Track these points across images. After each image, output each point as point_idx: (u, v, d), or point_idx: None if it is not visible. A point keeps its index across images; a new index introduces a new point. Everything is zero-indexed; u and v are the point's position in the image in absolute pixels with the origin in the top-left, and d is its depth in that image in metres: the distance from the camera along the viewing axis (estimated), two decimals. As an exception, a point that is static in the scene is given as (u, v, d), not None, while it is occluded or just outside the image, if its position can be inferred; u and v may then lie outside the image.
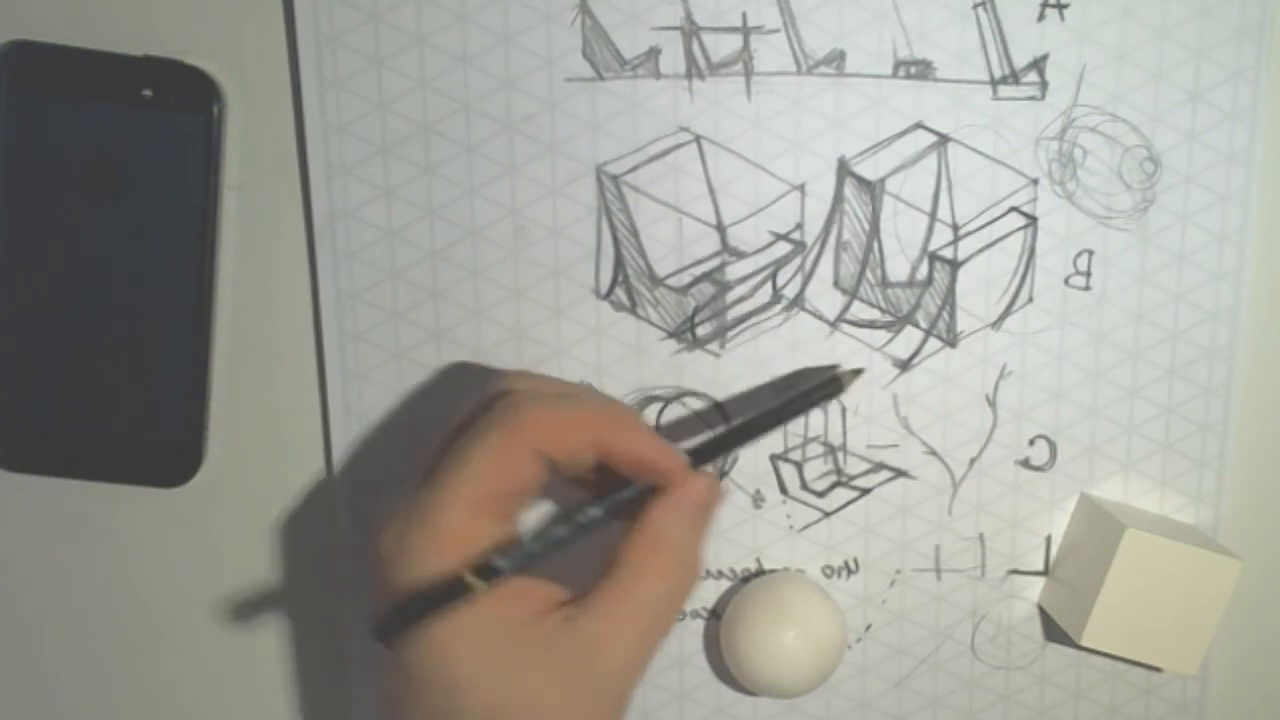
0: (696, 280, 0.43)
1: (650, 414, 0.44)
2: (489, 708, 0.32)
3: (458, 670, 0.32)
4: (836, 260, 0.43)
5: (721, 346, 0.44)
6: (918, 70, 0.42)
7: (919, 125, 0.42)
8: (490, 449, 0.33)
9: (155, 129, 0.42)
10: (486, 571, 0.32)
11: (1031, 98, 0.42)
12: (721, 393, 0.44)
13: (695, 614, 0.46)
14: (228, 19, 0.42)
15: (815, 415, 0.45)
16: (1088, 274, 0.44)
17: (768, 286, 0.44)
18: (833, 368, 0.43)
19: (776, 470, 0.45)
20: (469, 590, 0.31)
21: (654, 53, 0.42)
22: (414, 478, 0.36)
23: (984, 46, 0.42)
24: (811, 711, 0.47)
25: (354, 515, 0.45)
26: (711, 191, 0.43)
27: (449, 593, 0.31)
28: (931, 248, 0.43)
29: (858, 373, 0.41)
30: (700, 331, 0.44)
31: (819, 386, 0.39)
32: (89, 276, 0.43)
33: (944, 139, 0.43)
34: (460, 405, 0.37)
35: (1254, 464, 0.46)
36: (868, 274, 0.43)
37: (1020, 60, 0.42)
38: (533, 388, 0.36)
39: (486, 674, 0.32)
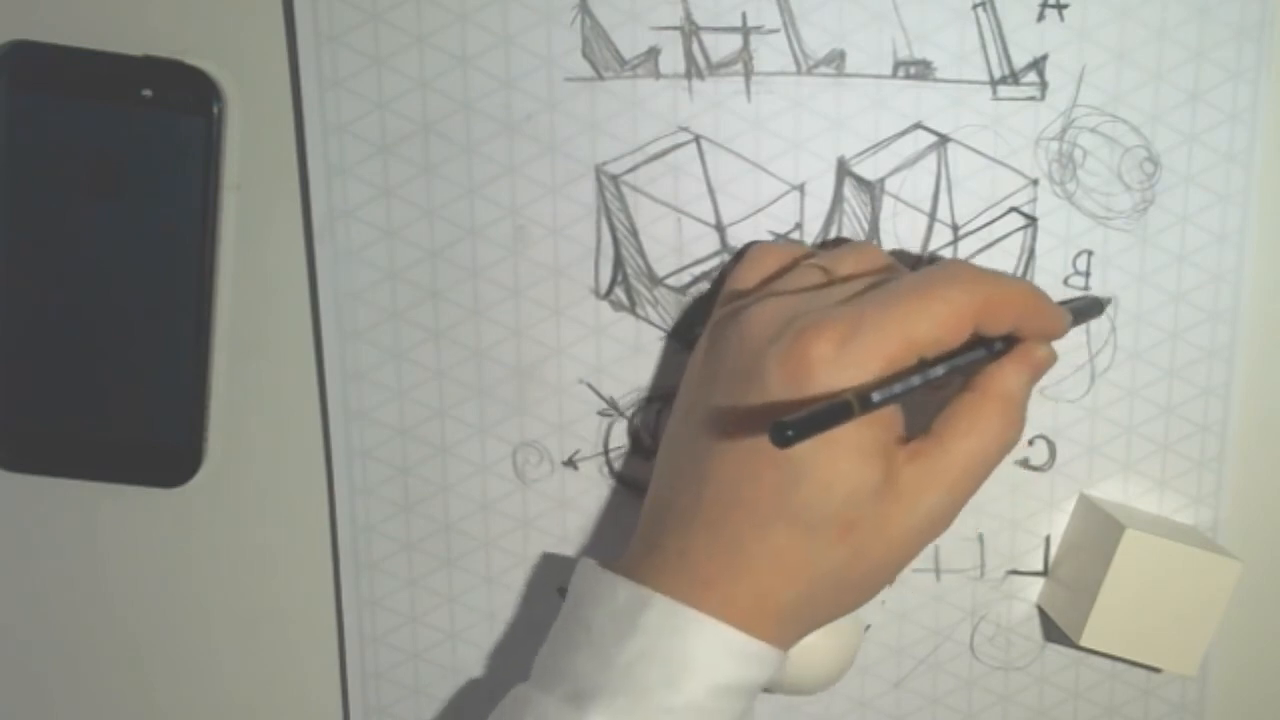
0: (696, 280, 0.43)
1: (649, 414, 0.44)
2: (849, 521, 0.36)
3: (839, 483, 0.36)
4: (836, 260, 0.43)
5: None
6: (917, 70, 0.42)
7: (919, 125, 0.42)
8: (949, 304, 0.36)
9: (155, 129, 0.42)
10: (866, 402, 0.34)
11: (1031, 98, 0.42)
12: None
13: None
14: (228, 19, 0.42)
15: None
16: (1087, 274, 0.44)
17: (767, 286, 0.44)
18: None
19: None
20: (850, 415, 0.34)
21: (654, 53, 0.42)
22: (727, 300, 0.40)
23: (984, 47, 0.42)
24: (811, 712, 0.47)
25: (353, 515, 0.45)
26: (711, 191, 0.43)
27: (840, 412, 0.34)
28: (931, 248, 0.43)
29: (1108, 300, 0.44)
30: (700, 331, 0.44)
31: (1087, 307, 0.42)
32: (89, 276, 0.43)
33: (944, 139, 0.43)
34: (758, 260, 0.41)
35: (1254, 464, 0.45)
36: (867, 274, 0.43)
37: (1020, 60, 0.42)
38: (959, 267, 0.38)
39: (859, 492, 0.36)
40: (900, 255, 0.43)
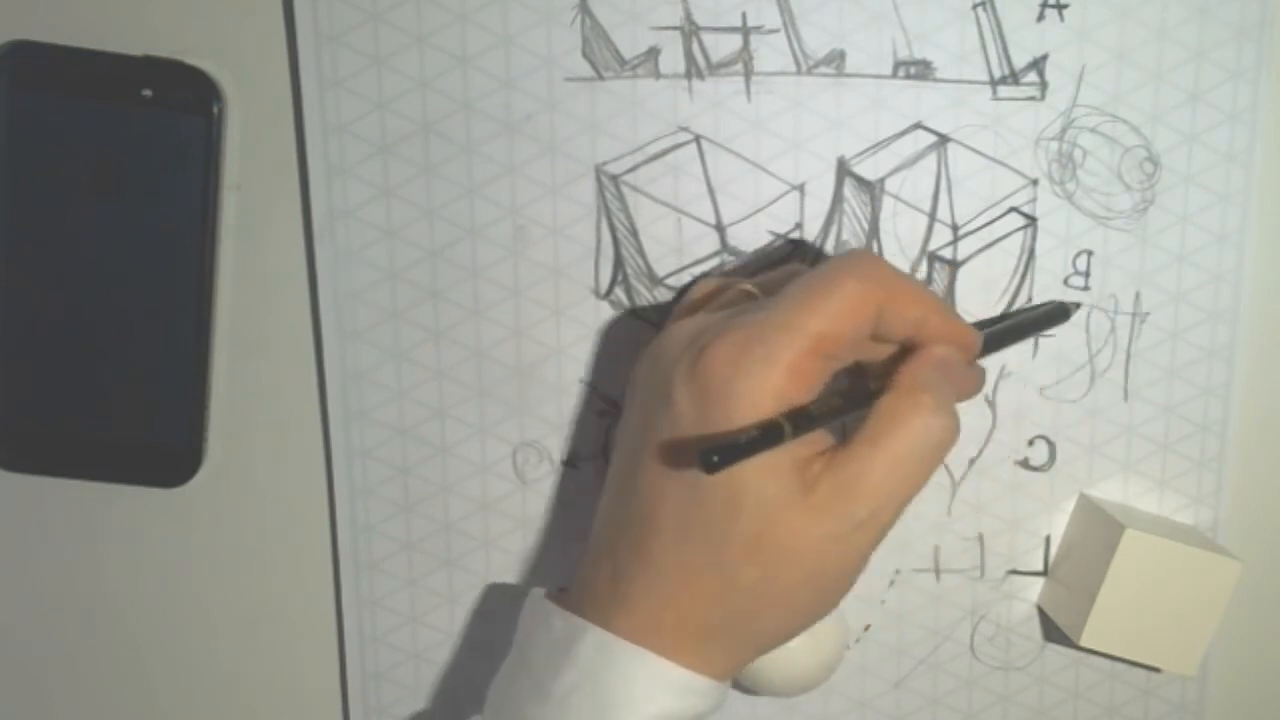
0: (696, 280, 0.43)
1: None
2: (757, 535, 0.34)
3: (744, 498, 0.34)
4: (836, 260, 0.43)
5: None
6: (917, 70, 0.42)
7: (918, 125, 0.42)
8: (845, 294, 0.34)
9: (155, 129, 0.42)
10: (801, 422, 0.33)
11: (1031, 98, 0.42)
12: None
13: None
14: (228, 19, 0.42)
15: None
16: (1087, 274, 0.44)
17: (767, 286, 0.44)
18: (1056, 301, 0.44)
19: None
20: (782, 438, 0.33)
21: (654, 53, 0.42)
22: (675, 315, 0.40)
23: (984, 47, 0.42)
24: (811, 712, 0.47)
25: (353, 515, 0.45)
26: (711, 191, 0.43)
27: (770, 435, 0.33)
28: (931, 248, 0.43)
29: (1077, 306, 0.43)
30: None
31: (1048, 314, 0.42)
32: (89, 276, 0.43)
33: (944, 139, 0.43)
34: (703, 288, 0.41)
35: (1254, 464, 0.45)
36: (867, 274, 0.43)
37: (1020, 60, 0.42)
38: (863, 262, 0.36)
39: (764, 506, 0.34)
40: (900, 255, 0.43)
